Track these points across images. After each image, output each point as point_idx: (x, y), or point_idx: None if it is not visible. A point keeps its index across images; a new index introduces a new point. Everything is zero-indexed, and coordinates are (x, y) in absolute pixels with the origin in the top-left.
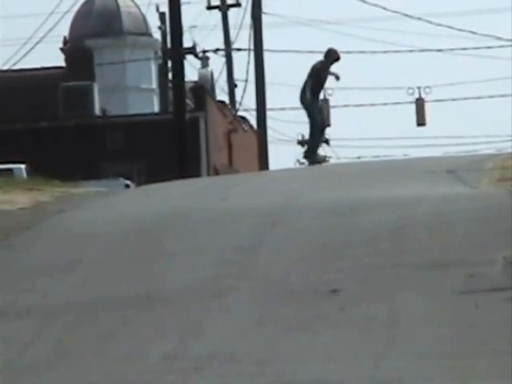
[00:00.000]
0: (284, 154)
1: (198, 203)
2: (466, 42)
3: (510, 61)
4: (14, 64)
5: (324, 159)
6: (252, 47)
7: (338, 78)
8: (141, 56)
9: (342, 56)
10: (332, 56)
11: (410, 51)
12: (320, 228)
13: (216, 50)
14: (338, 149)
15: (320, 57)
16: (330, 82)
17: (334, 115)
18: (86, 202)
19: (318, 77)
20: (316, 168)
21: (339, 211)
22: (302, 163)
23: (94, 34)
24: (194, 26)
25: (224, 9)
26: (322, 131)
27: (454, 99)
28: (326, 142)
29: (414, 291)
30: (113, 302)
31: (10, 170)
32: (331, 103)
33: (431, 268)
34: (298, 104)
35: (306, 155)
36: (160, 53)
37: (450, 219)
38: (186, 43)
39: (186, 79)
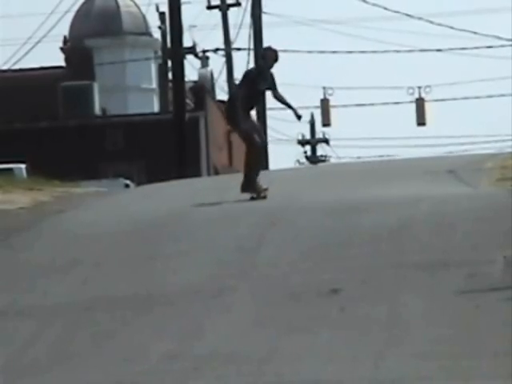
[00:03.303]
0: (284, 153)
1: (198, 203)
2: (466, 42)
3: (509, 60)
4: (13, 64)
5: (266, 190)
6: (252, 47)
7: (299, 117)
8: (141, 56)
9: (278, 54)
10: (270, 57)
11: (411, 51)
12: (320, 228)
13: (216, 50)
14: (338, 149)
15: (319, 56)
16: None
17: (334, 115)
18: (85, 202)
19: (252, 86)
20: (316, 168)
21: (339, 211)
22: (302, 163)
23: (94, 33)
24: (194, 26)
25: (224, 8)
26: (261, 154)
27: (454, 99)
28: (326, 141)
29: (414, 291)
30: (112, 302)
31: (10, 169)
32: (331, 103)
33: (431, 268)
34: (298, 103)
35: (243, 187)
36: (160, 52)
37: (450, 219)
38: (186, 43)
39: (186, 79)
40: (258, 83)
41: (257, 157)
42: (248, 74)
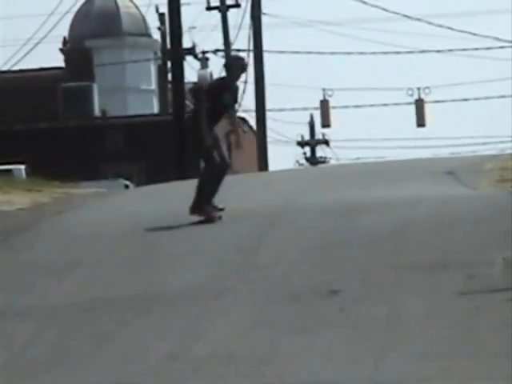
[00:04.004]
0: (283, 154)
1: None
2: (466, 43)
3: (509, 62)
4: (13, 65)
5: (221, 210)
6: (251, 48)
7: (239, 145)
8: (140, 57)
9: (247, 63)
10: (236, 67)
11: (410, 52)
12: (319, 229)
13: (215, 51)
14: (338, 150)
15: (318, 58)
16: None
17: (334, 116)
18: (85, 203)
19: (217, 99)
20: (316, 169)
21: (339, 212)
22: (302, 164)
23: (94, 34)
24: (194, 27)
25: (223, 9)
26: (222, 175)
27: (453, 100)
28: (326, 142)
29: (413, 292)
30: (112, 303)
31: (10, 170)
32: (331, 104)
33: (431, 269)
34: (297, 105)
35: (193, 209)
36: (159, 53)
37: (450, 220)
38: (186, 44)
39: (186, 80)
40: (223, 96)
41: (213, 177)
42: (213, 87)
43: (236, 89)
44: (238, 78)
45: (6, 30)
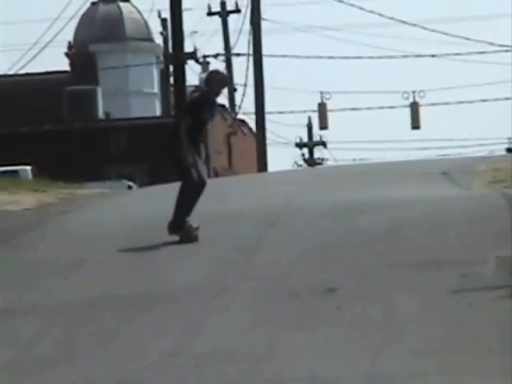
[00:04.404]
0: (282, 156)
1: (199, 205)
2: (460, 48)
3: (502, 66)
4: (19, 69)
5: (197, 229)
6: (251, 52)
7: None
8: (143, 61)
9: (227, 78)
10: (215, 82)
11: (405, 56)
12: (317, 229)
13: (216, 55)
14: (335, 151)
15: (316, 62)
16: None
17: (331, 119)
18: (89, 203)
19: (196, 115)
20: (314, 170)
21: (336, 212)
22: (300, 165)
23: (98, 39)
24: (195, 32)
25: (224, 15)
26: (199, 193)
27: (447, 103)
28: (323, 144)
29: (408, 290)
30: (115, 301)
31: (16, 171)
32: (328, 107)
33: (425, 268)
34: (296, 107)
35: (171, 227)
36: (162, 58)
37: (444, 220)
38: (187, 48)
39: (187, 83)
40: (203, 112)
41: (190, 195)
42: (192, 102)
43: (215, 103)
44: (218, 93)
45: (12, 35)
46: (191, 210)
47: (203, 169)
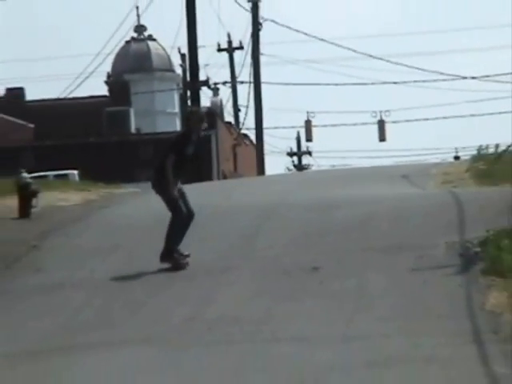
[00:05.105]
0: (276, 162)
1: (210, 201)
2: (417, 76)
3: (450, 91)
4: (69, 93)
5: (187, 256)
6: (252, 80)
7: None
8: (166, 87)
9: (205, 114)
10: (194, 119)
11: (373, 84)
12: (304, 220)
13: (224, 83)
14: (319, 159)
15: (304, 87)
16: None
17: (316, 133)
18: (124, 200)
19: (181, 153)
20: (302, 174)
21: (319, 207)
22: (291, 170)
23: (131, 70)
24: (208, 64)
25: (230, 51)
26: (188, 224)
27: (407, 120)
28: (309, 153)
29: (376, 269)
30: (144, 278)
31: (66, 175)
32: (313, 123)
33: (390, 251)
34: (287, 124)
35: (163, 257)
36: (181, 85)
37: (405, 213)
38: (201, 77)
39: (201, 105)
40: (186, 149)
41: (180, 226)
42: (176, 141)
43: (197, 139)
44: (199, 129)
45: (63, 66)
46: (181, 240)
47: (189, 199)
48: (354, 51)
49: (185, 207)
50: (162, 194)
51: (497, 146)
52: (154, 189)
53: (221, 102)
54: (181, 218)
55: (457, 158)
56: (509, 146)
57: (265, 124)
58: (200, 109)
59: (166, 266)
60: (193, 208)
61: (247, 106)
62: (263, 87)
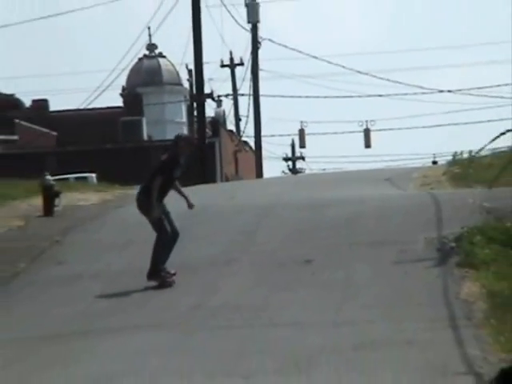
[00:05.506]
0: (273, 166)
1: (214, 201)
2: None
3: (429, 103)
4: (88, 104)
5: (174, 275)
6: (252, 93)
7: (190, 206)
8: (175, 99)
9: (192, 140)
10: (184, 145)
11: (360, 96)
12: (298, 218)
13: (227, 95)
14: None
15: (298, 100)
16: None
17: (308, 140)
18: None
19: (169, 175)
20: (296, 177)
21: (311, 206)
22: (286, 173)
23: (143, 84)
24: (212, 79)
25: (232, 67)
26: (173, 243)
27: (391, 129)
28: (303, 158)
29: (363, 262)
30: None
31: (85, 177)
32: (306, 131)
33: (375, 245)
34: (283, 132)
35: (150, 275)
36: (188, 97)
37: (388, 212)
38: (206, 90)
39: (206, 115)
40: (173, 171)
41: (165, 246)
42: (164, 164)
43: (185, 162)
44: (187, 153)
45: (83, 80)
46: (167, 258)
47: (173, 218)
48: (343, 67)
49: (169, 227)
50: (147, 215)
51: (470, 152)
52: (139, 209)
53: (224, 112)
54: (166, 238)
55: (435, 162)
56: (478, 151)
57: (263, 132)
58: (188, 135)
59: (153, 283)
60: (177, 227)
61: (247, 116)
62: (262, 99)
